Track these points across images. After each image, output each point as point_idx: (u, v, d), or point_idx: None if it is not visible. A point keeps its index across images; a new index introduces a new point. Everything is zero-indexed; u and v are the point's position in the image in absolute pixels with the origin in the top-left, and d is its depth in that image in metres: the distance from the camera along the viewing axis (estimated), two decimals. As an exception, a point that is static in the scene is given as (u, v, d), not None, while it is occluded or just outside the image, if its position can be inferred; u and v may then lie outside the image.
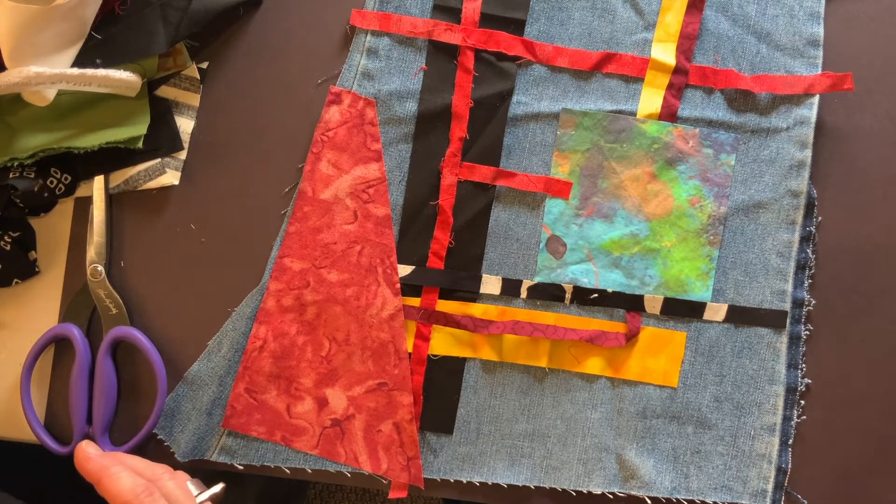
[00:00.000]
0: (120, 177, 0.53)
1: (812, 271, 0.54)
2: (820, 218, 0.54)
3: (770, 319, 0.54)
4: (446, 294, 0.53)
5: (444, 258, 0.53)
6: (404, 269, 0.53)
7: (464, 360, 0.54)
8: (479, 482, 0.54)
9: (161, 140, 0.53)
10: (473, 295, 0.54)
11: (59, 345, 0.53)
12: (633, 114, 0.53)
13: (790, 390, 0.54)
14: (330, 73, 0.54)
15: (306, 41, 0.54)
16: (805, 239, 0.54)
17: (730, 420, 0.54)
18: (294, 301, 0.53)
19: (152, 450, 0.53)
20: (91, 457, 0.42)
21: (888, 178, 0.54)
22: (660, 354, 0.54)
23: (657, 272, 0.54)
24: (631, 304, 0.54)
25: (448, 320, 0.53)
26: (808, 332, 0.54)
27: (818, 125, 0.54)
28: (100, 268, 0.52)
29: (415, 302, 0.53)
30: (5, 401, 0.53)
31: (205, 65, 0.54)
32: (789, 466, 0.54)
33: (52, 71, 0.47)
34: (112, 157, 0.52)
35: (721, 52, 0.54)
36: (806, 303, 0.54)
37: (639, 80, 0.54)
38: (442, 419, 0.54)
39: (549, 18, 0.54)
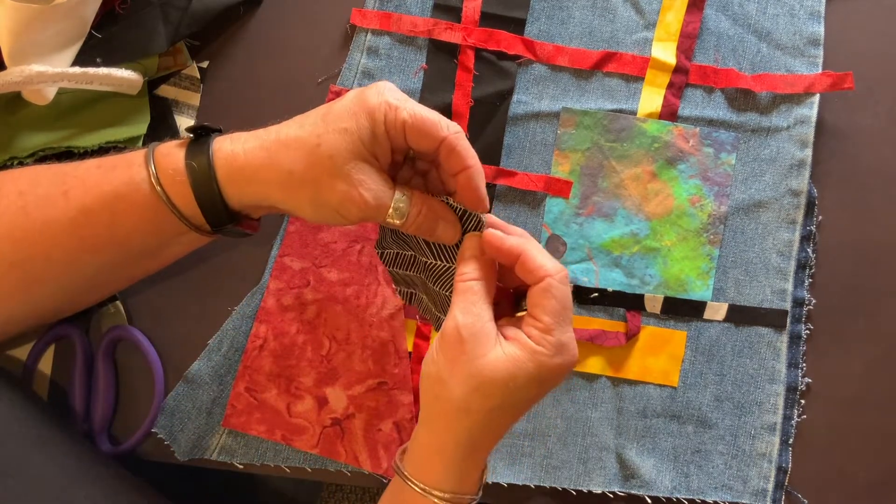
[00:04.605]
0: (120, 176, 0.53)
1: (812, 270, 0.54)
2: (820, 217, 0.54)
3: (770, 318, 0.54)
4: (446, 293, 0.53)
5: (444, 257, 0.53)
6: (404, 269, 0.53)
7: (464, 359, 0.54)
8: (480, 481, 0.54)
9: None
10: (474, 294, 0.53)
11: (59, 345, 0.53)
12: (634, 113, 0.53)
13: (790, 389, 0.54)
14: (330, 72, 0.54)
15: (306, 41, 0.54)
16: (805, 238, 0.54)
17: (730, 419, 0.54)
18: (294, 300, 0.53)
19: (152, 449, 0.53)
20: (505, 237, 0.41)
21: (888, 177, 0.54)
22: (660, 354, 0.54)
23: (657, 271, 0.54)
24: (631, 303, 0.53)
25: (448, 319, 0.53)
26: (808, 332, 0.54)
27: (819, 124, 0.54)
28: (100, 267, 0.52)
29: (415, 301, 0.53)
30: (5, 400, 0.53)
31: (205, 64, 0.54)
32: (789, 466, 0.54)
33: (53, 70, 0.47)
34: (112, 157, 0.52)
35: (721, 52, 0.54)
36: (806, 302, 0.54)
37: (639, 79, 0.54)
38: (442, 418, 0.54)
39: (550, 17, 0.54)
